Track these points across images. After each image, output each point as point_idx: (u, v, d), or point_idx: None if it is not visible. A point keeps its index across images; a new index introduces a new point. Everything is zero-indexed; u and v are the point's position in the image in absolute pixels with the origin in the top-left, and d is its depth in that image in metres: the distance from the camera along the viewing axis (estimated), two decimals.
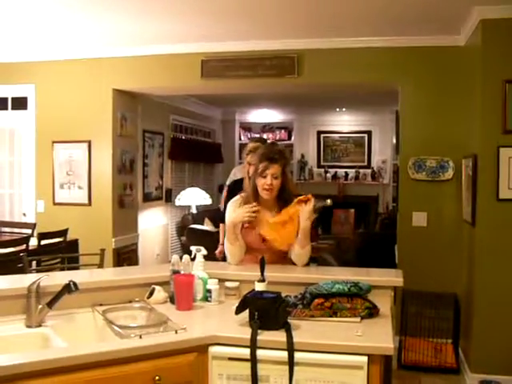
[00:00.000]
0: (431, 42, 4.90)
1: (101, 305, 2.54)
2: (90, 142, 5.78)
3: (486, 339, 4.11)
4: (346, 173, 10.66)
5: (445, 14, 4.26)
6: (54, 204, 5.92)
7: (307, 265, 3.18)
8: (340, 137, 10.82)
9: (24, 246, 5.01)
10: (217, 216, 5.48)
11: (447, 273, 4.84)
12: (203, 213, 8.79)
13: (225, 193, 4.52)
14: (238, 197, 3.27)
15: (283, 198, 3.13)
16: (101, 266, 3.99)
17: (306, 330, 2.23)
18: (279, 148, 3.36)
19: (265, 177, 3.05)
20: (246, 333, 2.15)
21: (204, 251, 2.82)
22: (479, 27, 4.18)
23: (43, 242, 5.22)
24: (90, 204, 5.81)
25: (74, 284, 2.32)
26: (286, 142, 10.81)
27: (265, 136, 10.74)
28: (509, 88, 4.06)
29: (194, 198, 8.62)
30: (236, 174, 4.73)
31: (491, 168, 4.10)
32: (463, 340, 4.58)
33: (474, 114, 4.43)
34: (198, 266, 2.77)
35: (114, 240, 5.73)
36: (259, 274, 2.58)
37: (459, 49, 4.84)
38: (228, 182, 4.67)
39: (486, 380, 4.02)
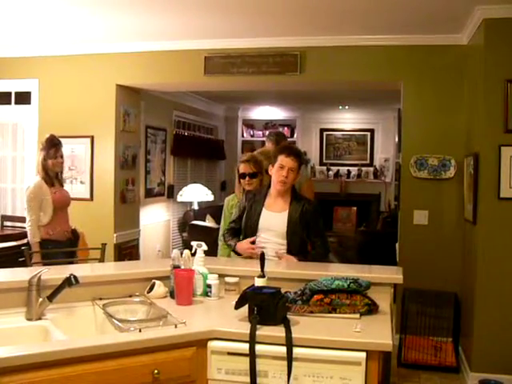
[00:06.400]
0: (434, 41, 4.89)
1: (101, 299, 2.55)
2: (92, 137, 5.78)
3: (487, 338, 4.11)
4: (348, 171, 10.62)
5: (447, 13, 4.25)
6: None
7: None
8: (343, 135, 10.78)
9: (26, 240, 5.01)
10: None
11: (448, 271, 4.83)
12: (205, 209, 8.81)
13: None
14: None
15: None
16: (102, 260, 4.00)
17: (304, 326, 2.25)
18: None
19: None
20: (245, 328, 2.16)
21: (205, 246, 2.83)
22: (482, 26, 4.17)
23: None
24: (91, 199, 5.81)
25: (75, 277, 2.33)
26: (288, 140, 10.78)
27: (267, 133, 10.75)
28: (511, 87, 4.05)
29: (196, 194, 8.63)
30: None
31: (493, 167, 4.10)
32: (463, 339, 4.59)
33: (476, 113, 4.43)
34: (199, 261, 2.78)
35: (115, 235, 5.73)
36: (259, 269, 2.59)
37: (462, 48, 4.83)
38: None
39: (486, 379, 4.01)
